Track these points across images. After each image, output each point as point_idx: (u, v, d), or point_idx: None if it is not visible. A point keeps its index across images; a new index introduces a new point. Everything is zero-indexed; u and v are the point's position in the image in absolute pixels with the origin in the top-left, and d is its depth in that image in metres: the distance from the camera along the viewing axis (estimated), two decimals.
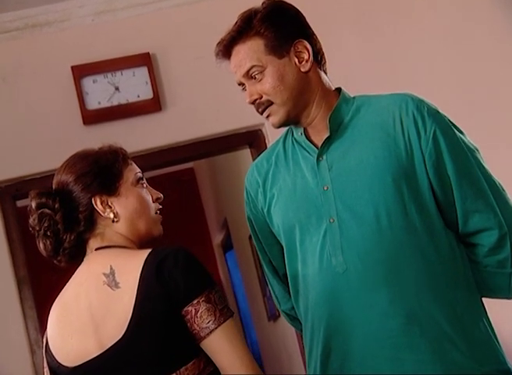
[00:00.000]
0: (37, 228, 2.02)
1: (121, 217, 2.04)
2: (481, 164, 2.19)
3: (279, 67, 2.20)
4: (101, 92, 4.05)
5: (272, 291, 2.44)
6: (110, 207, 2.04)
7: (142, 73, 4.10)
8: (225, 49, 2.25)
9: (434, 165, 2.14)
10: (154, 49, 4.12)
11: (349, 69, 4.21)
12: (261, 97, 2.22)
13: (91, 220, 2.03)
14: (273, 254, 2.37)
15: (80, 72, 4.03)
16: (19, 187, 3.94)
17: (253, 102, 2.24)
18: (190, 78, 4.07)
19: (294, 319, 2.39)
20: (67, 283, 2.07)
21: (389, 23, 4.34)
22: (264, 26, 2.21)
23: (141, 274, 1.91)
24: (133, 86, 4.09)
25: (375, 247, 2.10)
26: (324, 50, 4.08)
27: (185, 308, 1.89)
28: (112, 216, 2.03)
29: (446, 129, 2.17)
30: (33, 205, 2.03)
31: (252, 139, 4.08)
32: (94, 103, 4.05)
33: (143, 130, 4.08)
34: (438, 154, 2.14)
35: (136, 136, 4.06)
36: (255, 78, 2.21)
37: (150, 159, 4.08)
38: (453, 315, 2.10)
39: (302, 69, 2.23)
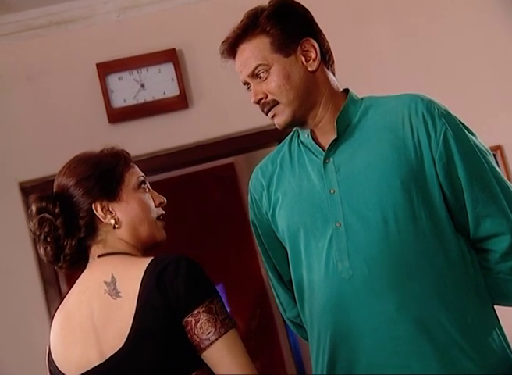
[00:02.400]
0: (38, 233, 1.99)
1: (122, 223, 2.00)
2: (494, 167, 2.11)
3: (285, 66, 2.14)
4: (126, 90, 4.00)
5: (276, 298, 2.38)
6: (111, 213, 1.99)
7: (168, 69, 4.03)
8: (231, 48, 2.20)
9: (444, 167, 2.07)
10: (180, 45, 4.06)
11: (382, 66, 4.14)
12: (267, 96, 2.16)
13: (92, 226, 1.99)
14: (278, 259, 2.31)
15: (105, 69, 3.99)
16: (45, 187, 3.86)
17: (258, 102, 2.18)
18: (217, 74, 3.95)
19: (300, 327, 2.33)
20: (70, 291, 2.04)
21: (422, 18, 4.23)
22: (271, 24, 2.15)
23: (141, 283, 1.87)
24: (159, 83, 4.02)
25: (383, 252, 2.04)
26: (357, 46, 4.02)
27: (185, 319, 1.84)
28: (112, 222, 1.99)
29: (457, 130, 2.10)
30: (34, 209, 2.00)
31: (281, 136, 3.96)
32: (119, 101, 3.99)
33: (169, 127, 4.03)
34: (448, 156, 2.07)
35: (162, 134, 4.01)
36: (260, 77, 2.16)
37: (177, 157, 4.04)
38: (463, 322, 2.04)
39: (309, 69, 2.17)
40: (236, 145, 4.09)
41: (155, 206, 2.06)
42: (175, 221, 5.52)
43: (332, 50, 2.25)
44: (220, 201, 7.36)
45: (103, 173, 2.00)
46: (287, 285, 2.31)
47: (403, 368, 2.01)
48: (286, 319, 2.39)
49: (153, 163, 4.00)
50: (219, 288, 6.24)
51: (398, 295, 2.02)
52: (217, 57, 2.26)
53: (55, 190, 2.04)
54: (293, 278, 2.21)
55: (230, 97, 4.01)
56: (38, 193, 2.02)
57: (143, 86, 4.01)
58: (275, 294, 2.38)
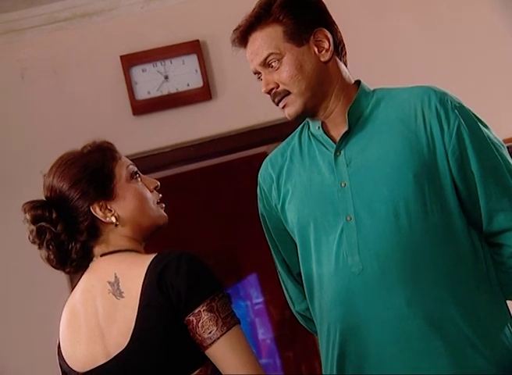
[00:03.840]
0: (37, 241, 1.97)
1: (124, 219, 1.98)
2: (507, 160, 2.07)
3: (297, 55, 2.11)
4: (150, 81, 3.98)
5: (285, 291, 2.36)
6: (110, 211, 1.97)
7: (192, 61, 4.01)
8: (242, 36, 2.17)
9: (457, 161, 2.03)
10: (203, 36, 4.04)
11: (408, 55, 4.08)
12: (278, 86, 2.14)
13: (94, 228, 1.97)
14: (287, 252, 2.28)
15: (129, 61, 3.98)
16: None
17: (269, 92, 2.16)
18: (240, 65, 3.90)
19: (309, 321, 2.31)
20: (76, 287, 2.04)
21: (448, 6, 4.15)
22: (284, 13, 2.13)
23: (143, 283, 1.86)
24: (183, 74, 4.01)
25: (393, 246, 2.01)
26: (382, 36, 3.97)
27: (187, 318, 1.84)
28: (114, 219, 1.97)
29: (471, 123, 2.06)
30: (29, 218, 1.96)
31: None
32: (143, 93, 3.98)
33: (193, 119, 4.01)
34: (461, 149, 2.03)
35: (186, 126, 4.00)
36: (272, 66, 2.13)
37: (200, 149, 4.03)
38: (474, 318, 2.01)
39: (321, 59, 2.14)
40: (259, 136, 4.07)
41: (150, 191, 2.04)
42: (207, 211, 5.55)
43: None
44: (253, 190, 7.37)
45: (94, 173, 1.97)
46: (296, 278, 2.29)
47: (414, 365, 1.98)
48: (294, 313, 2.37)
49: (177, 155, 4.01)
50: (253, 277, 6.22)
51: (408, 290, 1.99)
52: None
53: (45, 193, 2.01)
54: (302, 272, 2.19)
55: (254, 88, 3.94)
56: (31, 201, 1.98)
57: (166, 78, 3.99)
58: (283, 288, 2.36)
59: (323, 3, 2.20)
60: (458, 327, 1.99)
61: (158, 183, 2.07)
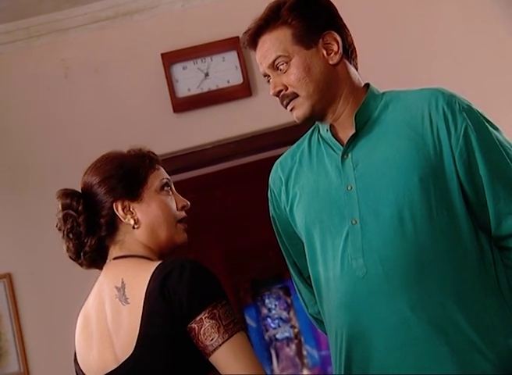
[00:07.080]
0: (62, 229, 2.02)
1: (142, 224, 2.00)
2: None
3: (305, 58, 2.11)
4: (190, 79, 4.00)
5: (298, 294, 2.35)
6: (131, 213, 2.00)
7: (232, 57, 4.02)
8: (252, 39, 2.18)
9: (465, 164, 2.00)
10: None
11: (452, 46, 4.00)
12: (286, 89, 2.13)
13: (113, 225, 2.01)
14: (297, 255, 2.27)
15: (170, 59, 4.01)
16: None
17: (277, 94, 2.15)
18: None
19: (321, 324, 2.29)
20: (91, 292, 2.07)
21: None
22: (292, 16, 2.12)
23: (147, 289, 1.88)
24: (223, 71, 4.01)
25: (397, 251, 1.99)
26: (427, 35, 3.90)
27: (189, 325, 1.84)
28: (132, 222, 2.00)
29: (479, 125, 2.03)
30: (59, 205, 2.02)
31: None
32: (183, 90, 4.01)
33: (233, 116, 4.02)
34: (469, 152, 2.00)
35: (226, 122, 4.01)
36: (280, 69, 2.13)
37: (241, 145, 4.03)
38: (480, 323, 1.97)
39: (330, 62, 2.13)
40: (300, 132, 4.00)
41: (178, 210, 2.05)
42: (253, 207, 5.54)
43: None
44: None
45: (126, 173, 2.01)
46: (307, 281, 2.27)
47: (418, 368, 1.96)
48: (308, 316, 2.36)
49: (218, 151, 4.02)
50: None
51: (413, 295, 1.97)
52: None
53: (80, 187, 2.06)
54: (311, 275, 2.18)
55: None
56: (64, 189, 2.04)
57: (207, 75, 4.00)
58: (297, 290, 2.35)
59: (333, 6, 2.19)
60: (463, 332, 1.96)
61: (188, 204, 2.08)
